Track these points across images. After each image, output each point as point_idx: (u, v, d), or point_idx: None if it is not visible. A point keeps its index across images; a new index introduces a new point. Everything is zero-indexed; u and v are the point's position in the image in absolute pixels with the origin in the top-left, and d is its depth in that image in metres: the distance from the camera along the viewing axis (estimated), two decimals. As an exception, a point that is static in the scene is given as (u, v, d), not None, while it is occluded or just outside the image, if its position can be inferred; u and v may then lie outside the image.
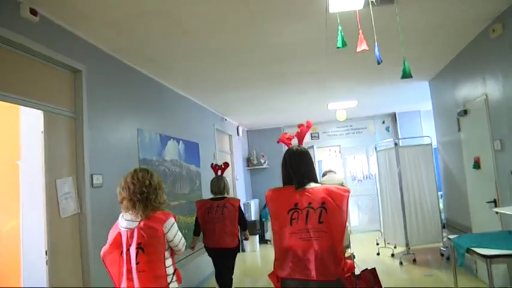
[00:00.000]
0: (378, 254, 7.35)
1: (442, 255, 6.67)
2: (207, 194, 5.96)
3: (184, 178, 5.76)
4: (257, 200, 10.13)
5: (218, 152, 7.83)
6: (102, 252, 2.68)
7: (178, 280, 2.72)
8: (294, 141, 2.79)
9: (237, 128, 9.63)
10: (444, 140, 6.28)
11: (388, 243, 7.43)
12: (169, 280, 2.62)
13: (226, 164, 5.40)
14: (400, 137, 9.15)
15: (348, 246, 3.40)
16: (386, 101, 8.37)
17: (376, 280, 2.49)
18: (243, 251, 8.83)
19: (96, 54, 3.84)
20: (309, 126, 2.83)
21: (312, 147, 9.92)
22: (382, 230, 8.45)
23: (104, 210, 3.58)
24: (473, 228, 5.12)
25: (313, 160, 2.79)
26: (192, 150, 6.18)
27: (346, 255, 2.85)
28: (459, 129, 5.44)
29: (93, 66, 3.73)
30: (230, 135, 9.02)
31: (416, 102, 8.74)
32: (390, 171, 7.02)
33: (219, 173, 5.19)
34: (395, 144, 6.80)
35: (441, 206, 6.78)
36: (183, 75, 5.30)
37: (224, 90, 6.44)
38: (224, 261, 4.75)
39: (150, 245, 2.58)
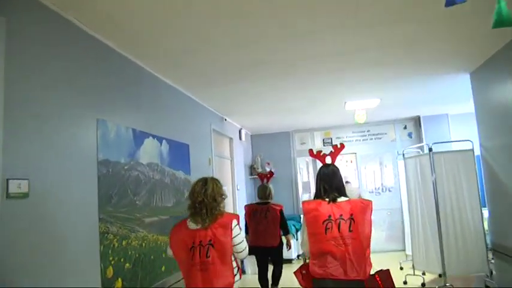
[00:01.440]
0: (405, 282, 6.11)
1: (488, 287, 5.45)
2: None
3: (168, 187, 4.61)
4: None
5: (215, 157, 6.69)
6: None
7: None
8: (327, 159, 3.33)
9: (239, 131, 8.50)
10: (491, 145, 5.09)
11: (414, 268, 6.22)
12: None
13: (271, 173, 6.42)
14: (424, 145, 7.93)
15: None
16: (411, 100, 7.18)
17: (390, 280, 3.15)
18: (244, 272, 7.65)
19: (28, 6, 2.72)
20: (342, 147, 3.38)
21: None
22: (407, 252, 7.26)
23: (28, 235, 2.45)
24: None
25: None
26: (179, 153, 5.04)
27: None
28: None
29: (22, 21, 2.61)
30: (231, 139, 7.88)
31: (444, 103, 7.56)
32: (422, 182, 5.86)
33: (265, 180, 5.95)
34: (430, 149, 5.62)
35: (485, 226, 5.58)
36: (170, 59, 4.21)
37: (223, 83, 5.34)
38: (266, 258, 5.48)
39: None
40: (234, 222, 2.99)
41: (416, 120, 8.92)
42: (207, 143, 6.32)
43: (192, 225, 2.98)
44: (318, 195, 3.13)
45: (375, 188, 9.11)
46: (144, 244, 3.92)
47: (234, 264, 3.00)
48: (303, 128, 9.37)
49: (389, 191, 8.96)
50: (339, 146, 3.37)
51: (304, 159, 9.26)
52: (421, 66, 5.18)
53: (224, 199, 3.15)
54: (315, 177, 3.28)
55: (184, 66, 4.51)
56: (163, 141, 4.59)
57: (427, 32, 3.97)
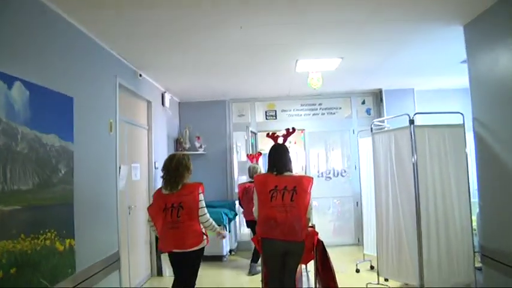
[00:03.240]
0: (365, 292, 4.85)
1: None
2: (83, 188, 3.73)
3: (22, 158, 2.87)
4: None
5: (122, 122, 4.97)
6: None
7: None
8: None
9: (162, 95, 6.78)
10: (490, 118, 3.87)
11: (379, 275, 4.97)
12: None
13: (259, 154, 6.87)
14: (386, 123, 6.69)
15: (310, 220, 3.88)
16: (377, 66, 5.83)
17: (312, 240, 3.68)
18: (160, 274, 6.05)
19: None
20: (293, 131, 4.01)
21: (255, 134, 7.58)
22: (366, 251, 6.07)
23: None
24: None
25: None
26: (53, 109, 3.27)
27: (311, 224, 3.87)
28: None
29: None
30: (149, 102, 6.13)
31: (413, 74, 6.42)
32: (397, 164, 4.57)
33: (254, 161, 6.46)
34: (411, 121, 4.29)
35: (474, 224, 4.39)
36: None
37: (135, 20, 3.74)
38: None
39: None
40: (199, 189, 3.69)
41: (377, 95, 7.71)
42: (109, 101, 4.56)
43: (164, 191, 3.73)
44: (268, 169, 3.75)
45: (325, 172, 7.81)
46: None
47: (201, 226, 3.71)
48: (242, 97, 7.82)
49: (342, 175, 7.73)
50: (291, 129, 4.00)
51: (243, 135, 7.73)
52: (401, 13, 3.87)
53: (190, 173, 3.84)
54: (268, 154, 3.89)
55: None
56: (17, 83, 2.82)
57: None
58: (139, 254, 5.63)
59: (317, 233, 3.81)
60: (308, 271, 4.67)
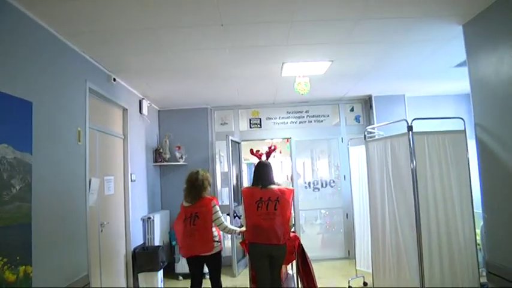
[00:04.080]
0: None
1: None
2: (44, 205, 3.30)
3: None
4: (167, 213, 6.96)
5: (92, 130, 4.53)
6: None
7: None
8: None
9: (140, 102, 6.36)
10: (493, 124, 3.56)
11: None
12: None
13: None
14: (376, 130, 6.36)
15: (292, 226, 4.58)
16: (369, 70, 5.52)
17: (293, 244, 4.32)
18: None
19: None
20: (275, 149, 4.65)
21: (238, 144, 7.17)
22: (359, 267, 5.73)
23: None
24: None
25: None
26: (3, 114, 2.86)
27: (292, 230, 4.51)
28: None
29: None
30: (125, 110, 5.70)
31: (406, 79, 6.10)
32: (394, 173, 4.25)
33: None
34: (410, 128, 3.97)
35: (478, 238, 4.07)
36: None
37: (106, 21, 3.33)
38: None
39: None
40: (213, 202, 4.32)
41: (366, 102, 7.41)
42: (78, 107, 4.12)
43: (185, 204, 4.38)
44: (253, 183, 4.31)
45: (313, 183, 7.44)
46: None
47: (216, 233, 4.33)
48: (225, 105, 7.44)
49: (331, 186, 7.38)
50: (273, 147, 4.62)
51: (226, 144, 7.32)
52: (396, 11, 3.55)
53: (210, 186, 4.52)
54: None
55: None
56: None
57: None
58: (114, 275, 5.14)
59: (298, 238, 4.54)
60: (293, 272, 5.13)
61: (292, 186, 7.20)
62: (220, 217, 4.27)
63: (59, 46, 3.78)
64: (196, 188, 4.31)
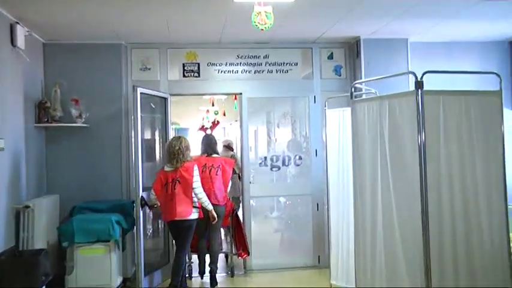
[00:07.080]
0: None
1: None
2: None
3: None
4: (55, 199, 5.54)
5: None
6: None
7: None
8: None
9: (12, 28, 4.87)
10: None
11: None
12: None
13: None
14: (363, 84, 5.42)
15: (239, 202, 6.41)
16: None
17: (230, 204, 6.01)
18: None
19: None
20: (218, 123, 8.29)
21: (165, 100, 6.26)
22: (334, 282, 5.33)
23: None
24: None
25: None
26: None
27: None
28: None
29: None
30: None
31: (408, 16, 5.21)
32: (391, 148, 3.70)
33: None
34: (419, 85, 3.30)
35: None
36: None
37: None
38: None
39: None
40: (195, 166, 5.11)
41: (352, 46, 6.24)
42: None
43: (167, 168, 5.07)
44: (202, 152, 5.88)
45: (270, 159, 6.46)
46: None
47: (196, 199, 5.10)
48: (147, 41, 5.99)
49: (296, 164, 6.42)
50: (216, 122, 7.78)
51: (132, 99, 5.77)
52: None
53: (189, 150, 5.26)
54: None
55: None
56: None
57: None
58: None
59: (233, 204, 6.19)
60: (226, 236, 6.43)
61: (241, 162, 6.66)
62: (199, 186, 5.08)
63: None
64: (179, 154, 5.05)
